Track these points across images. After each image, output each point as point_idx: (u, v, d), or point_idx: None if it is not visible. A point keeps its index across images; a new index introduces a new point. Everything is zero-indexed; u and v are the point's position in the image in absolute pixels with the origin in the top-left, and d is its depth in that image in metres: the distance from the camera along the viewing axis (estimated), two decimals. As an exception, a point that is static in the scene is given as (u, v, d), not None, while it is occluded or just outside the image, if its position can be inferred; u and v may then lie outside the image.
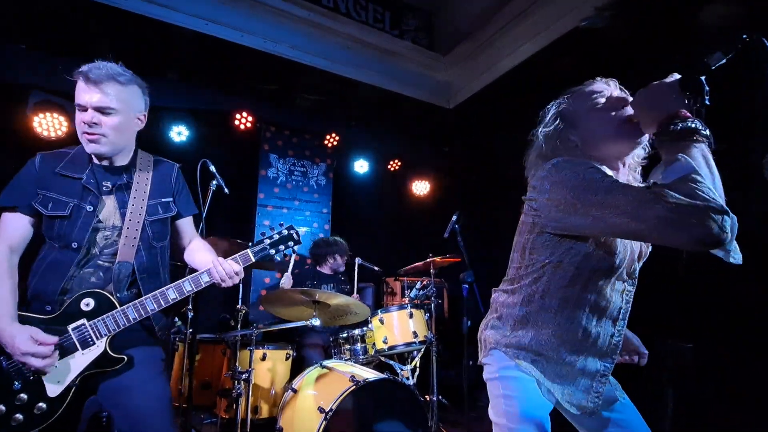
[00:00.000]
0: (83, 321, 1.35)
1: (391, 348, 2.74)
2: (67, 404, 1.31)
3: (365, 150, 5.06)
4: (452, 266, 3.64)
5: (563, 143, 1.09)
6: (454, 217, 3.16)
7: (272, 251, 1.61)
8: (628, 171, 1.13)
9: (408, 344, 2.75)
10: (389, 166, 5.35)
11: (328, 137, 4.74)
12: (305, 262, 4.14)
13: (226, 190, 2.41)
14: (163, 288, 1.43)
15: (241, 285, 2.40)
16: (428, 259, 3.36)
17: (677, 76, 0.94)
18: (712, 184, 0.82)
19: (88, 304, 1.36)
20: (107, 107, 1.39)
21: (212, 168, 2.34)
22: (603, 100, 1.08)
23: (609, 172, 0.99)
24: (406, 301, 3.10)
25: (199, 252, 1.65)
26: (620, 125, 1.05)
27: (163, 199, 1.57)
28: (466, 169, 5.34)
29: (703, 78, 0.89)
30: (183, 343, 2.87)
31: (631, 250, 1.08)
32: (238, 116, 4.20)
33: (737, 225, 0.83)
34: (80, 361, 1.34)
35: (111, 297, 1.39)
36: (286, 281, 3.33)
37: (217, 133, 4.28)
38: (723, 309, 2.78)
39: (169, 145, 3.92)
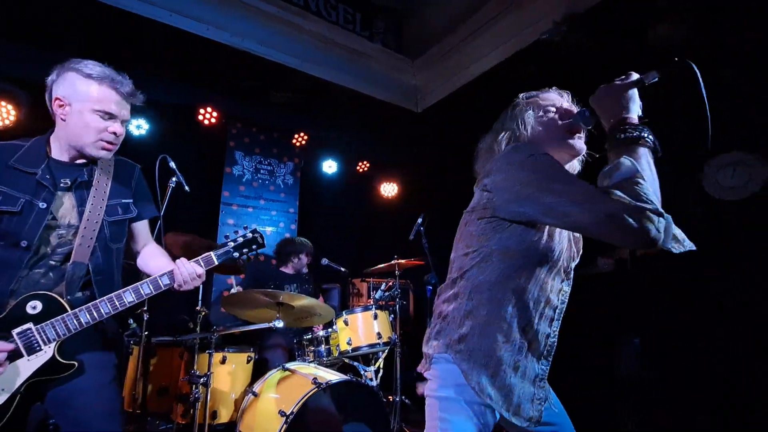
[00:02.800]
0: (29, 325, 1.26)
1: (355, 349, 2.76)
2: (11, 413, 1.23)
3: (334, 150, 5.05)
4: (418, 268, 3.70)
5: (513, 142, 1.14)
6: (420, 220, 3.22)
7: (236, 254, 1.58)
8: None
9: (372, 345, 2.78)
10: (358, 167, 5.36)
11: (296, 136, 4.68)
12: (269, 262, 4.07)
13: (186, 188, 2.34)
14: (120, 290, 1.37)
15: (201, 285, 2.33)
16: (393, 261, 3.40)
17: (635, 75, 0.98)
18: (652, 187, 0.87)
19: (35, 306, 1.28)
20: (127, 121, 1.49)
21: (172, 164, 2.26)
22: (553, 110, 1.14)
23: None
24: (371, 303, 3.13)
25: (154, 257, 1.60)
26: (564, 135, 1.11)
27: (123, 200, 1.51)
28: (433, 172, 5.43)
29: (636, 92, 0.97)
30: (138, 347, 2.75)
31: (568, 246, 1.11)
32: (202, 111, 4.08)
33: (672, 226, 0.88)
34: (26, 367, 1.25)
35: (60, 299, 1.31)
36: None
37: (179, 128, 4.13)
38: (668, 304, 3.00)
39: (127, 139, 3.73)
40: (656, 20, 2.90)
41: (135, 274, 1.63)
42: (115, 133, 1.43)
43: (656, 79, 0.95)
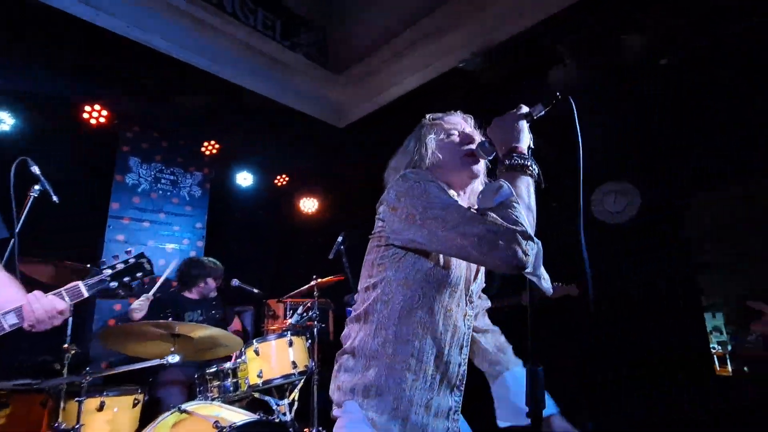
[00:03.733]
0: None
1: (266, 382, 2.49)
2: None
3: (250, 162, 4.71)
4: (339, 286, 3.55)
5: (417, 165, 1.15)
6: (340, 238, 3.10)
7: (113, 284, 1.29)
8: (467, 201, 1.21)
9: (286, 376, 2.54)
10: (276, 181, 5.08)
11: (206, 144, 4.27)
12: (168, 285, 3.57)
13: (54, 198, 1.92)
14: None
15: (71, 317, 1.91)
16: (312, 282, 3.21)
17: (524, 108, 1.04)
18: (526, 212, 0.92)
19: None
20: None
21: (35, 169, 1.84)
22: (455, 134, 1.18)
23: (452, 194, 1.08)
24: (287, 327, 2.88)
25: None
26: (463, 158, 1.15)
27: None
28: (355, 188, 5.37)
29: (527, 124, 1.03)
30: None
31: (467, 269, 1.11)
32: (88, 109, 3.50)
33: (542, 253, 0.92)
34: None
35: None
36: (140, 307, 2.79)
37: (57, 127, 3.50)
38: (569, 333, 3.24)
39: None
40: (558, 61, 3.23)
41: None
42: None
43: (542, 113, 1.01)
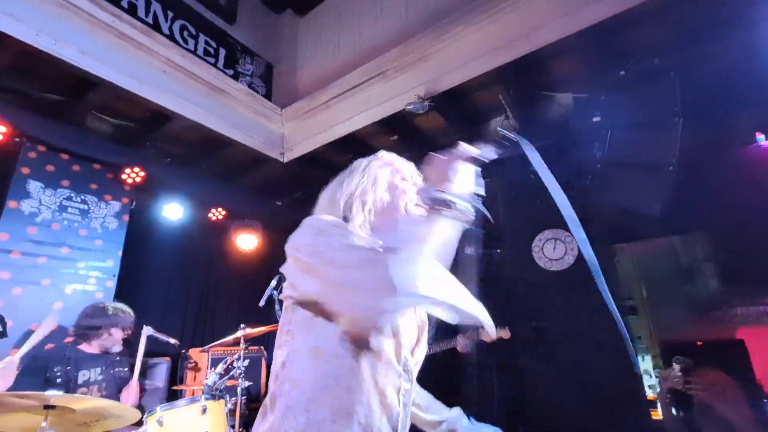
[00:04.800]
0: None
1: (169, 462, 2.05)
2: None
3: (180, 192, 4.28)
4: (272, 333, 3.19)
5: (346, 215, 1.01)
6: (274, 282, 2.79)
7: None
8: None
9: (196, 453, 2.11)
10: (210, 214, 4.67)
11: (128, 171, 3.81)
12: (60, 338, 2.96)
13: None
14: None
15: None
16: (239, 332, 2.83)
17: (463, 147, 0.95)
18: (430, 248, 0.82)
19: None
20: None
21: None
22: (402, 184, 1.07)
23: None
24: (203, 390, 2.46)
25: None
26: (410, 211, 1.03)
27: None
28: (297, 226, 5.09)
29: (479, 170, 0.95)
30: None
31: (400, 333, 0.92)
32: (-21, 123, 2.98)
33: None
34: None
35: None
36: (7, 367, 2.22)
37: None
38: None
39: None
40: (495, 114, 3.36)
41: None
42: None
43: (494, 156, 0.96)
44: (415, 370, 0.95)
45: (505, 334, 3.03)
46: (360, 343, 0.83)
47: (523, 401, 3.27)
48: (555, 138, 3.04)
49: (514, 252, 3.59)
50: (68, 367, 2.48)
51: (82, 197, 3.56)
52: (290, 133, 4.11)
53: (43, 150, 3.38)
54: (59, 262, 3.37)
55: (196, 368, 4.02)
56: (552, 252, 3.74)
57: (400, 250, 0.79)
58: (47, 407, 1.75)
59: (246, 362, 2.92)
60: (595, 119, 2.46)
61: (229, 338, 2.95)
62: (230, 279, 4.80)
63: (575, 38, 2.41)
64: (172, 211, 4.21)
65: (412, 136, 3.64)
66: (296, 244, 0.89)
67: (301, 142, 3.99)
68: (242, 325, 2.85)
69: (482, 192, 0.92)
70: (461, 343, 3.09)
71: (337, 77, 3.66)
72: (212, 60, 3.64)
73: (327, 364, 0.81)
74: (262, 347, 4.32)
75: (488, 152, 0.94)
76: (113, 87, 2.99)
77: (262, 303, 2.72)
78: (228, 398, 2.51)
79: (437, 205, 0.86)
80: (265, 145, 3.99)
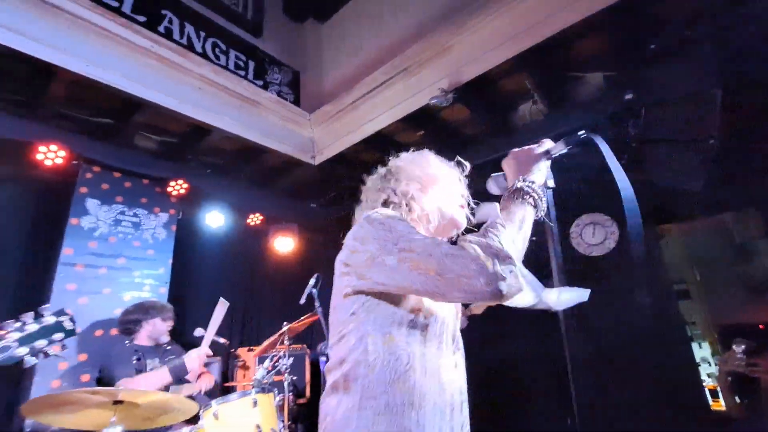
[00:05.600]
0: None
1: (226, 452, 2.19)
2: None
3: (220, 201, 4.51)
4: (314, 330, 3.30)
5: (395, 206, 1.06)
6: (312, 280, 2.90)
7: (20, 351, 1.07)
8: None
9: (249, 443, 2.24)
10: (249, 220, 4.88)
11: (173, 184, 4.07)
12: (119, 338, 3.22)
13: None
14: None
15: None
16: (283, 328, 2.96)
17: (547, 144, 0.99)
18: (512, 237, 0.85)
19: None
20: None
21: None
22: (445, 181, 1.10)
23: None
24: (252, 385, 2.61)
25: None
26: (458, 209, 1.08)
27: None
28: (332, 227, 5.22)
29: (543, 161, 0.99)
30: None
31: (447, 311, 0.97)
32: (43, 149, 3.29)
33: (528, 275, 0.87)
34: None
35: None
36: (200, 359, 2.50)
37: (8, 168, 3.27)
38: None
39: None
40: (523, 100, 3.29)
41: None
42: None
43: (565, 150, 0.98)
44: (461, 345, 1.01)
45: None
46: (425, 325, 0.89)
47: (568, 394, 3.18)
48: (586, 119, 2.95)
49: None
50: (138, 358, 2.71)
51: (134, 211, 3.85)
52: (319, 137, 4.23)
53: (97, 170, 3.68)
54: (117, 272, 3.66)
55: (244, 366, 4.23)
56: (591, 237, 3.62)
57: (478, 234, 0.85)
58: (116, 402, 1.93)
59: (290, 360, 3.05)
60: (628, 97, 2.37)
61: (275, 336, 3.09)
62: (271, 280, 5.00)
63: (600, 15, 2.33)
64: (214, 219, 4.45)
65: (439, 129, 3.64)
66: (361, 236, 0.92)
67: (331, 144, 4.10)
68: (285, 323, 2.98)
69: (553, 185, 1.00)
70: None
71: (361, 78, 3.73)
72: (243, 73, 3.82)
73: (400, 349, 0.85)
74: (305, 345, 4.47)
75: (559, 147, 0.99)
76: (156, 107, 3.22)
77: (302, 301, 2.84)
78: (276, 393, 2.64)
79: (522, 195, 0.93)
80: (296, 149, 4.13)
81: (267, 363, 2.73)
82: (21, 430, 2.80)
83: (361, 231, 0.92)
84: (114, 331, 3.38)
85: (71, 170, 3.52)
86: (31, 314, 1.10)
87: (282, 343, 3.13)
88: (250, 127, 3.81)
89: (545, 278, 0.99)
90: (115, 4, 3.07)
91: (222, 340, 3.28)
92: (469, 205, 1.12)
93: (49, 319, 1.11)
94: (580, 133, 0.94)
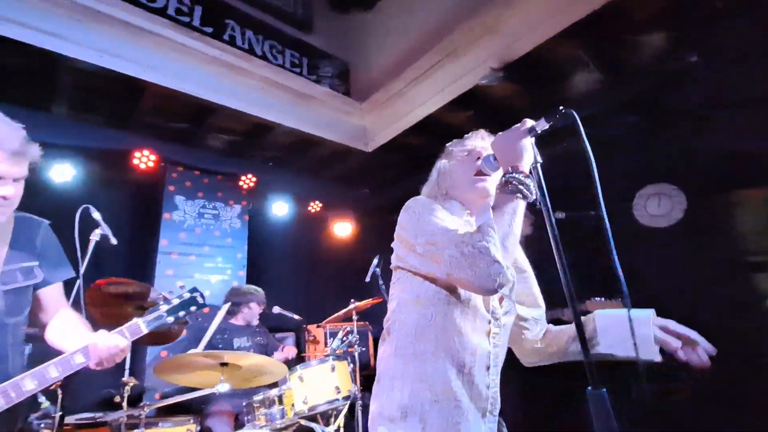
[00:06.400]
0: None
1: (311, 408, 2.51)
2: None
3: (284, 192, 4.90)
4: (377, 308, 3.56)
5: (433, 193, 1.23)
6: (375, 260, 3.13)
7: (169, 319, 1.38)
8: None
9: (331, 402, 2.55)
10: (309, 208, 5.23)
11: (243, 178, 4.50)
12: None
13: (113, 240, 2.09)
14: (17, 378, 1.12)
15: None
16: (350, 306, 3.25)
17: (529, 123, 1.02)
18: (500, 237, 0.94)
19: None
20: (22, 177, 1.23)
21: (96, 215, 2.02)
22: (466, 155, 1.22)
23: (465, 217, 1.14)
24: (328, 353, 2.92)
25: (66, 328, 1.35)
26: (472, 179, 1.17)
27: (23, 264, 1.28)
28: (386, 210, 5.44)
29: (529, 140, 1.01)
30: (50, 431, 2.32)
31: None
32: (138, 155, 3.80)
33: (527, 280, 1.07)
34: None
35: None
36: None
37: (111, 174, 3.82)
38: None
39: (47, 186, 3.35)
40: (576, 71, 3.21)
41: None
42: (3, 197, 1.21)
43: (547, 127, 0.99)
44: (505, 318, 1.10)
45: (617, 306, 2.87)
46: (452, 295, 1.03)
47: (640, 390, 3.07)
48: (647, 84, 2.83)
49: (611, 212, 3.41)
50: (225, 336, 3.14)
51: (213, 204, 4.32)
52: (371, 124, 4.40)
53: (181, 170, 4.18)
54: (204, 258, 4.16)
55: (315, 341, 4.63)
56: (656, 208, 3.50)
57: (473, 233, 0.96)
58: (222, 364, 2.30)
59: (357, 336, 3.34)
60: (691, 59, 2.26)
61: (341, 312, 3.39)
62: (334, 262, 5.34)
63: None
64: (280, 208, 4.86)
65: (489, 108, 3.65)
66: (400, 227, 1.10)
67: (382, 131, 4.26)
68: (352, 300, 3.26)
69: (540, 159, 1.01)
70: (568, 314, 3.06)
71: (408, 64, 3.81)
72: (297, 70, 4.07)
73: (426, 309, 1.03)
74: (367, 322, 4.78)
75: (542, 124, 1.00)
76: (225, 109, 3.57)
77: (367, 279, 3.09)
78: (348, 361, 2.94)
79: (512, 190, 0.98)
80: (349, 138, 4.35)
81: (340, 334, 3.03)
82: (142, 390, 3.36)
83: (400, 217, 1.10)
84: (206, 310, 3.87)
85: (160, 172, 4.03)
86: (174, 292, 1.41)
87: (350, 319, 3.42)
88: (307, 121, 4.07)
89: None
90: (186, 19, 3.42)
91: (296, 317, 3.66)
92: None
93: (186, 295, 1.42)
94: (560, 108, 0.95)
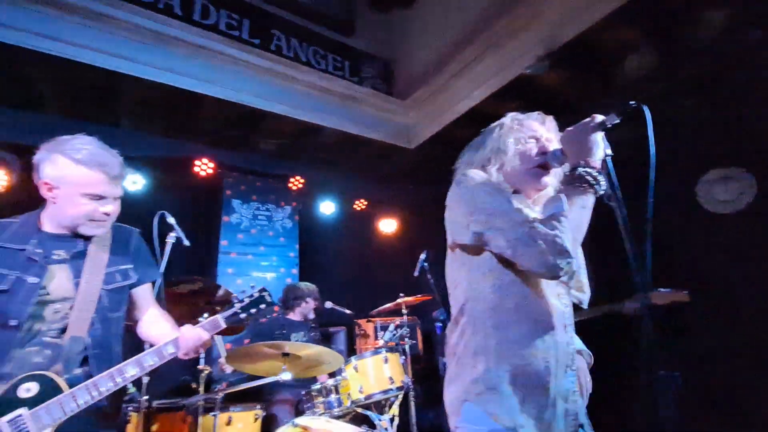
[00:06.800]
0: (22, 411, 1.17)
1: (367, 397, 2.63)
2: None
3: (331, 191, 5.08)
4: (424, 303, 3.62)
5: (487, 163, 1.17)
6: (423, 255, 3.19)
7: (243, 315, 1.53)
8: (537, 207, 1.19)
9: (385, 392, 2.65)
10: (355, 206, 5.37)
11: (292, 180, 4.72)
12: (270, 314, 3.95)
13: (185, 242, 2.31)
14: (121, 364, 1.30)
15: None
16: (399, 300, 3.33)
17: (599, 118, 1.03)
18: (571, 229, 0.96)
19: (29, 389, 1.19)
20: (120, 197, 1.46)
21: (171, 220, 2.25)
22: (533, 141, 1.17)
23: (520, 198, 1.13)
24: (380, 344, 3.02)
25: (156, 323, 1.54)
26: (533, 169, 1.15)
27: (121, 267, 1.47)
28: (431, 205, 5.45)
29: (600, 134, 1.02)
30: (137, 413, 2.60)
31: None
32: (198, 163, 4.11)
33: (578, 268, 1.02)
34: (17, 461, 1.14)
35: (57, 379, 1.22)
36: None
37: (176, 181, 4.16)
38: (708, 335, 2.88)
39: (124, 195, 3.71)
40: (629, 53, 3.04)
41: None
42: (107, 214, 1.41)
43: (617, 121, 1.00)
44: (569, 280, 1.13)
45: (682, 297, 2.61)
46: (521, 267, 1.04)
47: (707, 379, 2.83)
48: (707, 64, 2.65)
49: (672, 198, 3.17)
50: (284, 331, 3.34)
51: (266, 206, 4.58)
52: (414, 121, 4.44)
53: (236, 175, 4.46)
54: (259, 257, 4.43)
55: (365, 335, 4.77)
56: (723, 193, 3.27)
57: (543, 221, 0.97)
58: (284, 354, 2.46)
59: (407, 330, 3.41)
60: (755, 35, 2.08)
61: (390, 305, 3.48)
62: (381, 258, 5.45)
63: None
64: (327, 207, 5.04)
65: (536, 97, 3.56)
66: (453, 201, 1.08)
67: (426, 126, 4.28)
68: (401, 294, 3.34)
69: (610, 152, 1.02)
70: (629, 308, 2.83)
71: (451, 58, 3.80)
72: (340, 73, 4.20)
73: (500, 280, 1.03)
74: (416, 317, 4.84)
75: (611, 119, 1.00)
76: (274, 115, 3.77)
77: (416, 273, 3.15)
78: (399, 353, 3.02)
79: (584, 183, 1.00)
80: (393, 136, 4.42)
81: (391, 327, 3.12)
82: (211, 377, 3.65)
83: (451, 193, 1.09)
84: (276, 309, 4.13)
85: (218, 177, 4.33)
86: (246, 291, 1.56)
87: (399, 313, 3.50)
88: (351, 121, 4.19)
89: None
90: (236, 33, 3.64)
91: (347, 311, 3.81)
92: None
93: (256, 294, 1.57)
94: (630, 102, 0.95)
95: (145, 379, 2.36)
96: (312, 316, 3.56)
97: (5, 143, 3.23)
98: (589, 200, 1.02)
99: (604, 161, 1.02)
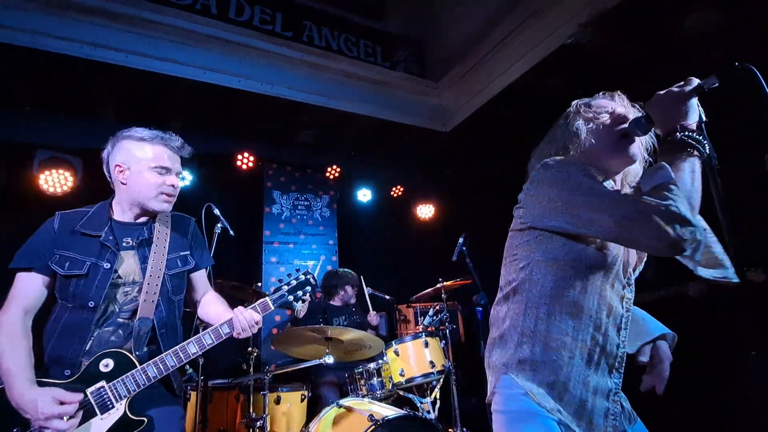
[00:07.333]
0: (102, 383, 1.32)
1: (408, 380, 2.67)
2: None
3: (367, 179, 5.11)
4: (464, 288, 3.59)
5: (564, 152, 1.14)
6: (461, 239, 3.15)
7: (290, 297, 1.61)
8: (621, 187, 1.16)
9: (426, 375, 2.68)
10: (392, 192, 5.37)
11: (329, 169, 4.79)
12: (316, 296, 4.09)
13: (231, 232, 2.43)
14: (183, 343, 1.41)
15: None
16: (438, 285, 3.32)
17: (695, 82, 0.96)
18: (686, 196, 0.88)
19: (107, 365, 1.34)
20: (181, 173, 1.58)
21: (216, 211, 2.37)
22: (606, 116, 1.12)
23: (606, 182, 1.07)
24: (420, 329, 3.04)
25: (213, 305, 1.66)
26: (617, 141, 1.09)
27: (181, 253, 1.59)
28: (468, 188, 5.35)
29: (695, 99, 0.95)
30: (195, 392, 2.80)
31: (625, 251, 1.08)
32: (240, 157, 4.28)
33: (705, 239, 0.88)
34: (99, 426, 1.29)
35: (130, 356, 1.37)
36: (302, 307, 3.28)
37: (220, 176, 4.36)
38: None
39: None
40: (688, 11, 2.77)
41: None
42: (173, 186, 1.52)
43: (716, 85, 0.91)
44: (634, 284, 1.11)
45: (757, 277, 2.45)
46: (596, 258, 1.01)
47: None
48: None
49: (744, 170, 2.87)
50: (326, 315, 3.44)
51: (305, 196, 4.70)
52: (449, 102, 4.33)
53: (275, 167, 4.60)
54: (300, 246, 4.57)
55: (405, 320, 4.82)
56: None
57: (650, 193, 0.90)
58: (327, 339, 2.54)
59: (447, 314, 3.40)
60: None
61: (430, 290, 3.48)
62: (419, 243, 5.45)
63: None
64: (364, 195, 5.09)
65: (581, 68, 3.32)
66: (539, 185, 1.04)
67: (461, 107, 4.16)
68: (440, 279, 3.33)
69: (705, 118, 0.95)
70: (694, 290, 2.70)
71: (484, 34, 3.65)
72: (372, 59, 4.17)
73: (564, 271, 1.01)
74: (456, 302, 4.81)
75: (710, 81, 0.92)
76: (309, 106, 3.82)
77: (454, 258, 3.12)
78: (439, 338, 3.03)
79: (687, 147, 0.93)
80: (427, 120, 4.35)
81: (431, 311, 3.13)
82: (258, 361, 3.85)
83: (539, 177, 1.04)
84: (318, 295, 4.27)
85: (258, 170, 4.48)
86: (293, 274, 1.64)
87: (439, 298, 3.50)
88: (385, 107, 4.16)
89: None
90: (270, 27, 3.71)
91: (387, 297, 3.86)
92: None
93: (302, 277, 1.64)
94: (734, 63, 0.84)
95: (201, 361, 2.54)
96: (353, 301, 3.65)
97: (68, 148, 3.53)
98: (696, 164, 0.93)
99: (700, 125, 0.95)
